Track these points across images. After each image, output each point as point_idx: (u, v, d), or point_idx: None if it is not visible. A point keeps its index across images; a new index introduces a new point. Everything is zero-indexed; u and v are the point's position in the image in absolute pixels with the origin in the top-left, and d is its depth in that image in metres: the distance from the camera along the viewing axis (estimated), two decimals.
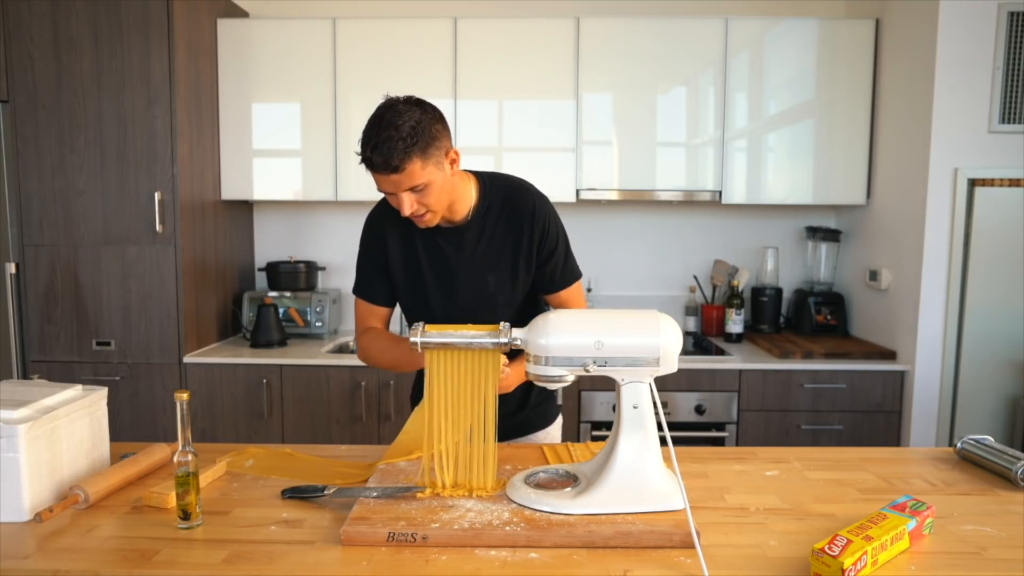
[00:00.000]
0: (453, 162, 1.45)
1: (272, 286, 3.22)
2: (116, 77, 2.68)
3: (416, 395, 1.79)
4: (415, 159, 1.36)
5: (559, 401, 1.86)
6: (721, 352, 2.97)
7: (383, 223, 1.60)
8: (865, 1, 3.08)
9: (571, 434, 2.82)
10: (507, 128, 3.02)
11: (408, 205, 1.41)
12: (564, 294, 1.64)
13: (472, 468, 1.33)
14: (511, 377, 1.50)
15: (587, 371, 1.23)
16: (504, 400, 1.64)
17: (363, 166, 1.40)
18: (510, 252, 1.58)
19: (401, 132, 1.34)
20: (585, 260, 3.52)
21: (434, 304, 1.59)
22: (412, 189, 1.40)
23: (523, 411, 1.71)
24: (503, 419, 1.64)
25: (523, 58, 2.98)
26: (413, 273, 1.60)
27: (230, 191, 3.09)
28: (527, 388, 1.70)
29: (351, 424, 2.82)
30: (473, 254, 1.57)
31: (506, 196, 1.58)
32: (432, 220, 1.48)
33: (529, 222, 1.57)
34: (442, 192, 1.44)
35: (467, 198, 1.55)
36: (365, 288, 1.65)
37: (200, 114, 2.89)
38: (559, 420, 1.82)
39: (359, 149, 1.38)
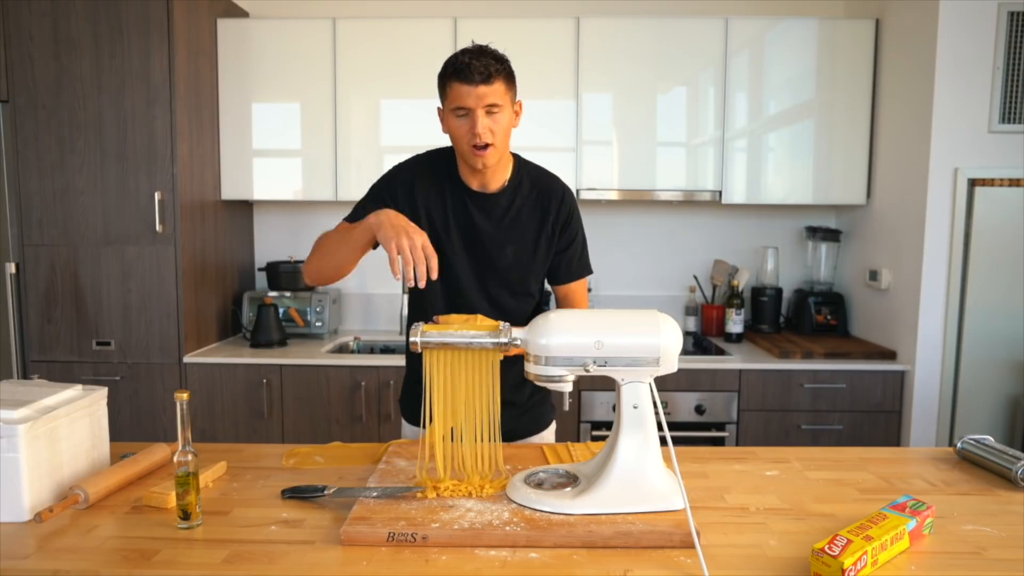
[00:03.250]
0: (517, 113, 1.56)
1: (272, 286, 3.22)
2: (116, 77, 2.68)
3: (406, 399, 1.78)
4: (502, 78, 1.48)
5: (554, 405, 1.86)
6: (721, 352, 2.97)
7: (415, 177, 1.61)
8: (865, 1, 3.08)
9: (571, 434, 2.82)
10: None
11: (481, 122, 1.47)
12: (573, 286, 1.71)
13: (473, 468, 1.33)
14: None
15: (587, 371, 1.23)
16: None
17: (443, 80, 1.51)
18: (533, 230, 1.62)
19: (495, 54, 1.49)
20: None
21: (455, 265, 1.61)
22: (489, 108, 1.47)
23: (516, 411, 1.70)
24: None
25: (523, 58, 2.93)
26: (438, 232, 1.61)
27: (230, 191, 3.09)
28: (520, 390, 1.69)
29: (351, 424, 2.82)
30: (499, 223, 1.61)
31: (538, 176, 1.66)
32: (491, 158, 1.52)
33: (557, 206, 1.63)
34: (507, 129, 1.53)
35: (506, 167, 1.62)
36: (362, 215, 1.51)
37: (200, 114, 2.89)
38: (553, 426, 1.81)
39: (448, 64, 1.49)
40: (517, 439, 1.72)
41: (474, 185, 1.60)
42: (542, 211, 1.63)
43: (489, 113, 1.48)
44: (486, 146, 1.49)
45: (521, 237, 1.62)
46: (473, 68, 1.45)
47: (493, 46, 1.52)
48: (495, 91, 1.47)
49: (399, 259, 1.33)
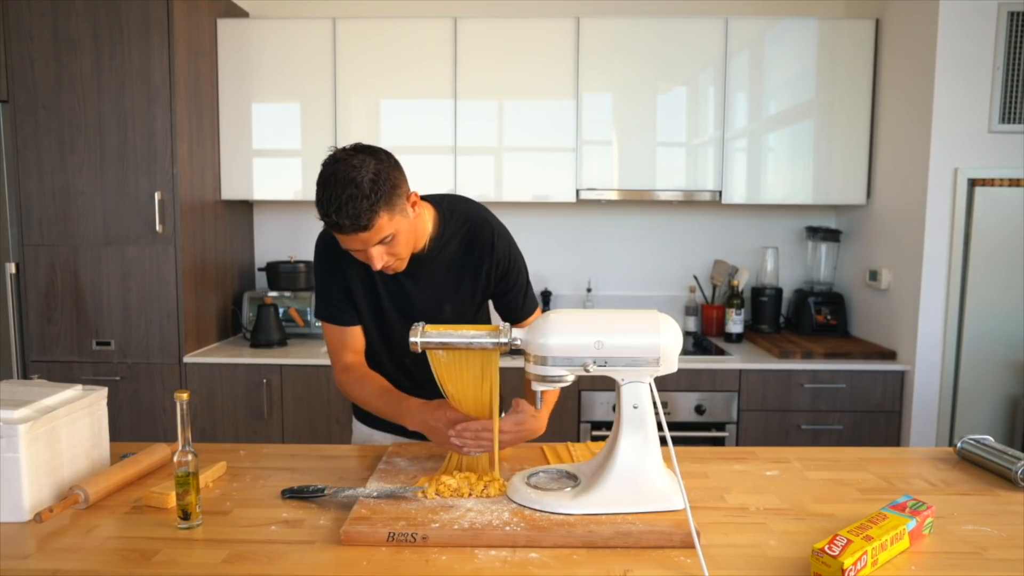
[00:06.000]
0: (414, 204, 1.41)
1: (272, 286, 3.21)
2: (116, 77, 2.68)
3: (356, 408, 1.77)
4: (382, 214, 1.31)
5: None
6: (721, 352, 2.97)
7: (340, 249, 1.47)
8: (865, 1, 3.08)
9: (571, 434, 2.82)
10: (507, 128, 3.02)
11: (379, 259, 1.37)
12: (526, 323, 1.63)
13: (473, 468, 1.33)
14: (542, 418, 1.46)
15: (587, 371, 1.23)
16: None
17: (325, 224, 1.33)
18: (469, 284, 1.57)
19: (363, 189, 1.28)
20: (585, 260, 3.50)
21: (393, 330, 1.58)
22: (381, 242, 1.35)
23: None
24: None
25: (523, 58, 2.98)
26: (373, 301, 1.57)
27: (230, 191, 3.09)
28: None
29: (351, 424, 2.81)
30: (429, 285, 1.56)
31: (466, 228, 1.56)
32: (400, 266, 1.45)
33: (489, 255, 1.55)
34: (409, 238, 1.42)
35: (425, 230, 1.51)
36: (332, 310, 1.57)
37: (200, 114, 2.89)
38: None
39: (319, 210, 1.31)
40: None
41: None
42: (475, 264, 1.55)
43: (383, 243, 1.36)
44: (391, 264, 1.43)
45: (455, 294, 1.57)
46: (343, 227, 1.30)
47: (365, 143, 1.37)
48: (379, 230, 1.32)
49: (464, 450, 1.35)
